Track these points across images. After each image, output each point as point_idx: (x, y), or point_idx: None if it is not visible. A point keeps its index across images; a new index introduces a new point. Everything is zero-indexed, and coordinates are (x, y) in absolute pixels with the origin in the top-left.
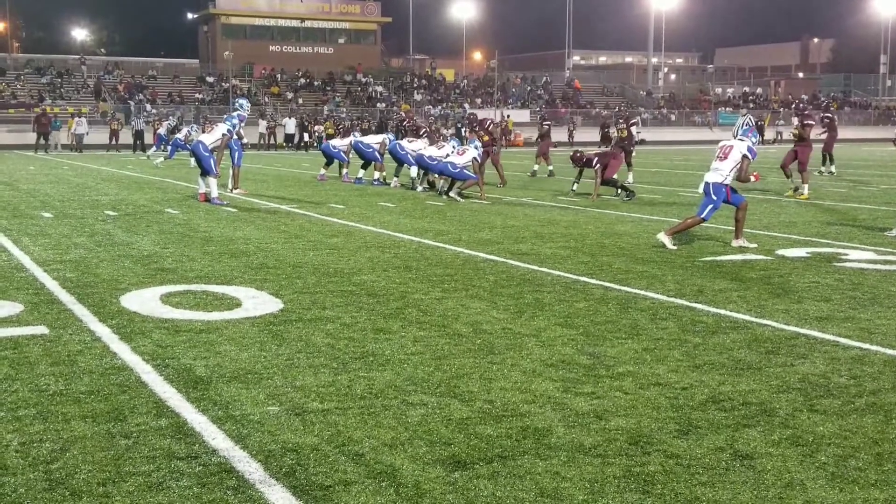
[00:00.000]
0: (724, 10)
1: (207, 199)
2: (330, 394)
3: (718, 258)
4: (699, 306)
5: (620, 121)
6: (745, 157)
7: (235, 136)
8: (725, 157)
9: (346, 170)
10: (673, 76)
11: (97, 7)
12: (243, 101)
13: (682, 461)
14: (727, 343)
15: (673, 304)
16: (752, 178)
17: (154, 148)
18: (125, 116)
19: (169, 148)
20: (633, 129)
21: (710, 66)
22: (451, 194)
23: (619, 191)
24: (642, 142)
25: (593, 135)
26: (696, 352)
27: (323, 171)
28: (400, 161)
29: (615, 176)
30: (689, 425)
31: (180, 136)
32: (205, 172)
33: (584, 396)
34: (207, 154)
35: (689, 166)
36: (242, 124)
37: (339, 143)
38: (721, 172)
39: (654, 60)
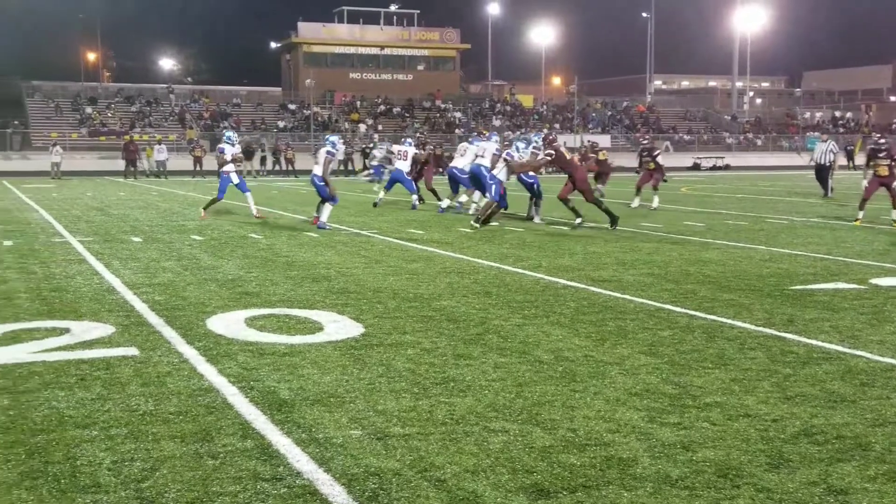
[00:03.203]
0: (812, 33)
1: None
2: (411, 419)
3: (809, 287)
4: (789, 336)
5: (645, 153)
6: None
7: (232, 173)
8: None
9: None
10: (759, 100)
11: (184, 37)
12: (334, 139)
13: (773, 495)
14: (819, 374)
15: (762, 334)
16: None
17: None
18: (210, 144)
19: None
20: (659, 159)
21: (798, 89)
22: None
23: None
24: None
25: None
26: (787, 383)
27: (447, 201)
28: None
29: (570, 196)
30: (781, 458)
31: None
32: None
33: (670, 427)
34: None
35: (775, 192)
36: (332, 157)
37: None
38: None
39: (739, 84)
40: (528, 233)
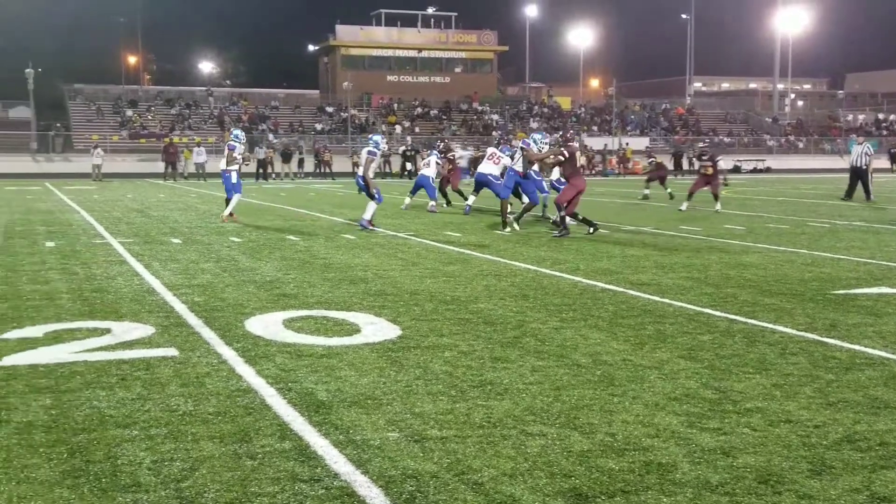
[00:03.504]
0: (854, 35)
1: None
2: (449, 421)
3: (852, 291)
4: (832, 341)
5: (704, 157)
6: None
7: (235, 170)
8: None
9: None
10: (800, 102)
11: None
12: (377, 138)
13: (815, 502)
14: (862, 380)
15: (803, 339)
16: None
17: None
18: (248, 145)
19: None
20: (720, 164)
21: (841, 91)
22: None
23: (556, 221)
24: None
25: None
26: (830, 389)
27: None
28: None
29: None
30: (823, 465)
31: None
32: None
33: (710, 432)
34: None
35: (817, 195)
36: (374, 157)
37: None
38: None
39: (781, 86)
40: (572, 236)
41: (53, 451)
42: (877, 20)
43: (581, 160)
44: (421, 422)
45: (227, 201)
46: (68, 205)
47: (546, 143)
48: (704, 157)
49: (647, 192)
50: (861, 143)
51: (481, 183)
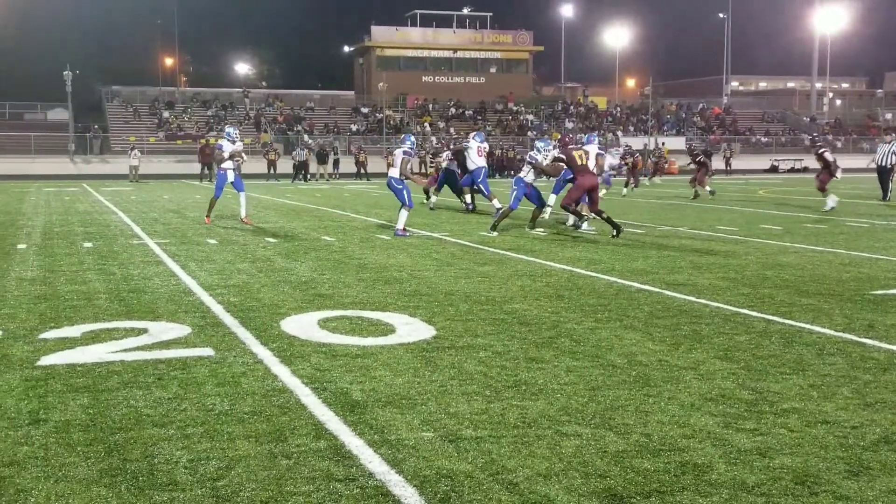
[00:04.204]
0: (894, 33)
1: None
2: (483, 421)
3: (890, 291)
4: (870, 342)
5: (823, 150)
6: None
7: (231, 168)
8: None
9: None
10: (839, 101)
11: (259, 43)
12: (411, 137)
13: (852, 503)
14: None
15: (841, 340)
16: None
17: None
18: (283, 146)
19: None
20: (827, 156)
21: (880, 90)
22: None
23: (574, 218)
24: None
25: (751, 162)
26: (867, 389)
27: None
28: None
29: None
30: (861, 466)
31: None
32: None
33: (746, 433)
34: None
35: (855, 195)
36: (410, 157)
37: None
38: None
39: (819, 85)
40: (600, 236)
41: (91, 450)
42: None
43: (584, 159)
44: (455, 422)
45: (213, 203)
46: (106, 206)
47: (550, 149)
48: (824, 150)
49: (699, 190)
50: (890, 142)
51: (467, 182)
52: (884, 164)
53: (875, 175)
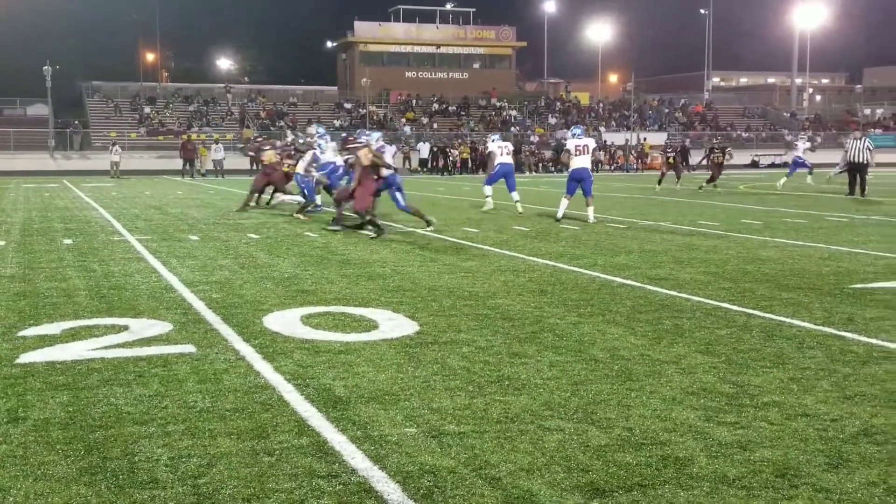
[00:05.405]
0: (873, 29)
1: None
2: (466, 417)
3: (869, 285)
4: (849, 335)
5: (669, 150)
6: None
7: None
8: None
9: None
10: (818, 97)
11: (241, 38)
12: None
13: (832, 496)
14: (880, 374)
15: (821, 333)
16: None
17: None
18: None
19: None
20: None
21: (859, 86)
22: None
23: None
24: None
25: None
26: (846, 382)
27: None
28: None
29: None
30: (840, 459)
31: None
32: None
33: (727, 426)
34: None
35: (836, 190)
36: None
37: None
38: None
39: (799, 81)
40: (583, 231)
41: (71, 449)
42: (895, 14)
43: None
44: (438, 417)
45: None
46: (86, 202)
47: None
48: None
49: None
50: (860, 139)
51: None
52: (859, 160)
53: (846, 171)
